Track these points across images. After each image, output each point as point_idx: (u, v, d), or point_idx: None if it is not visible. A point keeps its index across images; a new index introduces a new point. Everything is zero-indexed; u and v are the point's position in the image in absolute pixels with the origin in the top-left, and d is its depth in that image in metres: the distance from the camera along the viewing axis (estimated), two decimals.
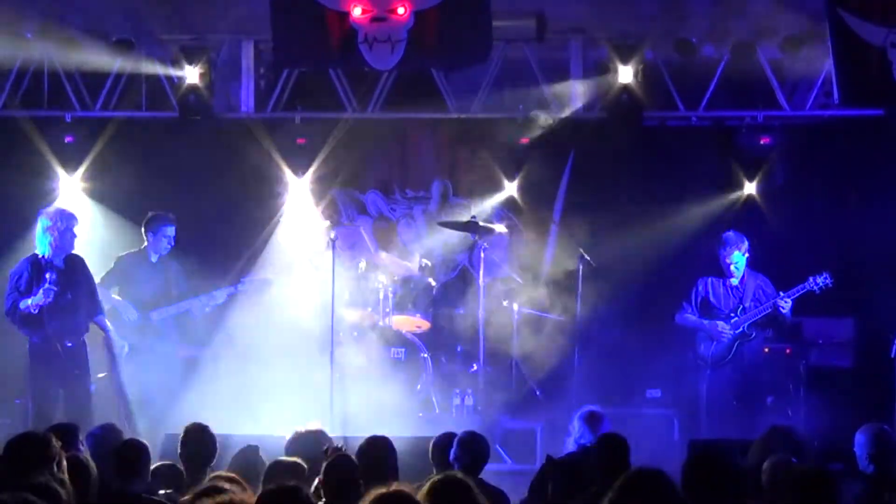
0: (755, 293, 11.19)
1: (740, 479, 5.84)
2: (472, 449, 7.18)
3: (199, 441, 7.32)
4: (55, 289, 10.28)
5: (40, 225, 10.57)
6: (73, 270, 10.57)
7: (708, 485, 5.53)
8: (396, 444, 7.06)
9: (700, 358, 11.30)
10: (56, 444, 5.67)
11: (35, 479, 5.08)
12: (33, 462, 5.43)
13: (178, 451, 7.42)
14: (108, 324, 10.84)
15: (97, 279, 10.96)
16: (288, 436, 7.68)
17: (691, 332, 11.37)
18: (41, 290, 10.30)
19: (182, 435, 7.41)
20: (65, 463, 5.76)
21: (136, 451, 6.92)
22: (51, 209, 10.90)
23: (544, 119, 12.16)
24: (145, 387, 10.92)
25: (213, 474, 6.24)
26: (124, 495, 6.46)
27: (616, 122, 12.12)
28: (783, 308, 11.05)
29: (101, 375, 10.88)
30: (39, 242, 10.54)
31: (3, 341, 11.84)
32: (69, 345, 10.46)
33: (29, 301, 10.35)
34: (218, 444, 7.48)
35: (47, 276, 10.30)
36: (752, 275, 11.26)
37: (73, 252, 10.67)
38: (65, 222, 10.57)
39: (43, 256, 10.51)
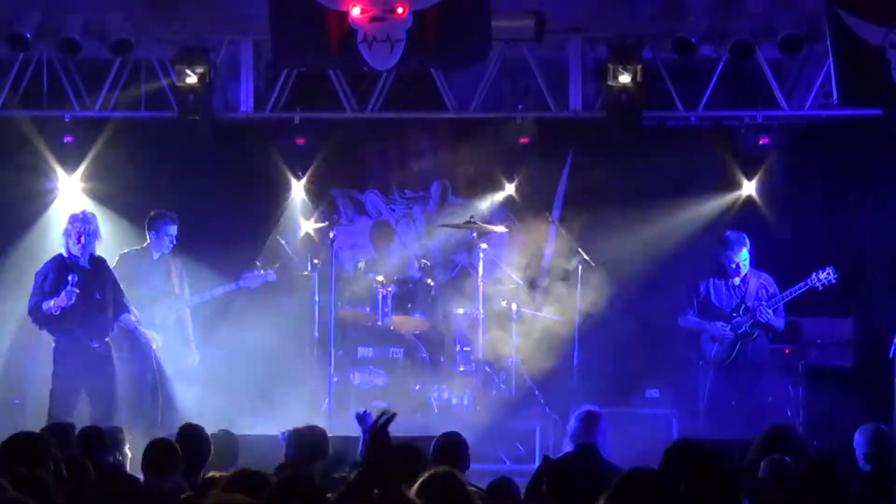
0: (758, 292, 11.18)
1: (724, 479, 5.82)
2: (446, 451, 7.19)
3: (193, 441, 7.32)
4: (77, 291, 10.34)
5: (66, 227, 10.67)
6: (99, 270, 10.66)
7: (690, 483, 5.52)
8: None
9: (704, 359, 11.30)
10: (52, 443, 5.67)
11: (29, 476, 5.07)
12: (28, 461, 5.42)
13: None
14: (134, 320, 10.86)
15: None
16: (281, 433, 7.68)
17: (696, 333, 11.36)
18: (63, 292, 10.35)
19: (176, 435, 7.41)
20: (62, 463, 5.77)
21: (165, 448, 6.94)
22: (76, 211, 10.93)
23: None
24: (146, 386, 10.92)
25: (209, 475, 6.24)
26: (157, 495, 6.44)
27: (615, 121, 12.10)
28: (763, 317, 11.03)
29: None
30: (65, 243, 10.62)
31: (2, 343, 11.89)
32: (96, 346, 10.52)
33: (51, 302, 10.39)
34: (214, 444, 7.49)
35: (69, 277, 10.36)
36: (756, 273, 11.26)
37: (95, 253, 10.74)
38: (93, 223, 10.67)
39: (68, 257, 10.57)
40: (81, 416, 10.16)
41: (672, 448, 6.11)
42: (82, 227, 10.62)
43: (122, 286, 10.98)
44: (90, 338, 10.50)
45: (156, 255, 11.25)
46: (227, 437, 7.76)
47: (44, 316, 10.45)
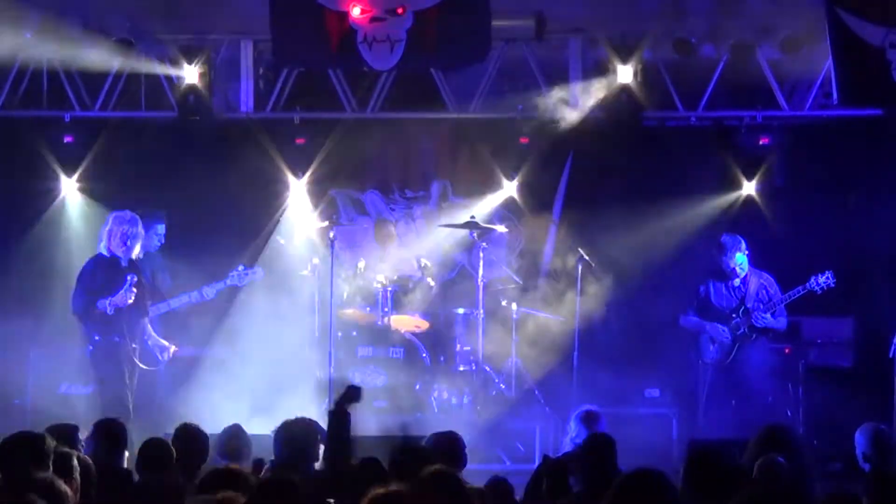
0: (758, 293, 11.18)
1: (740, 479, 5.85)
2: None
3: (190, 441, 7.30)
4: (135, 291, 10.35)
5: (109, 226, 10.62)
6: (136, 272, 10.66)
7: (709, 485, 5.53)
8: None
9: (703, 360, 11.30)
10: (51, 442, 5.67)
11: (34, 477, 5.07)
12: (29, 461, 5.43)
13: None
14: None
15: None
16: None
17: (695, 334, 11.36)
18: (122, 291, 10.39)
19: (173, 435, 7.40)
20: (76, 462, 5.78)
21: (158, 447, 6.97)
22: (123, 213, 10.84)
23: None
24: (135, 386, 10.93)
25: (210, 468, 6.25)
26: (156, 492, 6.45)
27: (615, 122, 12.11)
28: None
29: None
30: (106, 242, 10.59)
31: (2, 343, 11.89)
32: (134, 346, 10.54)
33: (107, 301, 10.38)
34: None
35: (128, 277, 10.40)
36: (756, 273, 11.26)
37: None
38: (139, 227, 10.67)
39: (110, 256, 10.55)
40: (85, 413, 10.15)
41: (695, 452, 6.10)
42: (130, 231, 10.60)
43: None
44: (131, 338, 10.53)
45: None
46: (235, 430, 7.77)
47: (97, 315, 10.41)
